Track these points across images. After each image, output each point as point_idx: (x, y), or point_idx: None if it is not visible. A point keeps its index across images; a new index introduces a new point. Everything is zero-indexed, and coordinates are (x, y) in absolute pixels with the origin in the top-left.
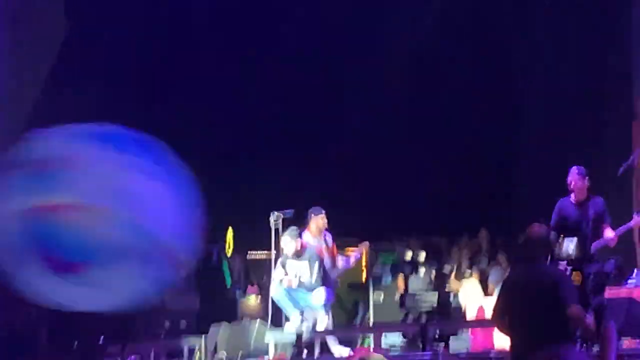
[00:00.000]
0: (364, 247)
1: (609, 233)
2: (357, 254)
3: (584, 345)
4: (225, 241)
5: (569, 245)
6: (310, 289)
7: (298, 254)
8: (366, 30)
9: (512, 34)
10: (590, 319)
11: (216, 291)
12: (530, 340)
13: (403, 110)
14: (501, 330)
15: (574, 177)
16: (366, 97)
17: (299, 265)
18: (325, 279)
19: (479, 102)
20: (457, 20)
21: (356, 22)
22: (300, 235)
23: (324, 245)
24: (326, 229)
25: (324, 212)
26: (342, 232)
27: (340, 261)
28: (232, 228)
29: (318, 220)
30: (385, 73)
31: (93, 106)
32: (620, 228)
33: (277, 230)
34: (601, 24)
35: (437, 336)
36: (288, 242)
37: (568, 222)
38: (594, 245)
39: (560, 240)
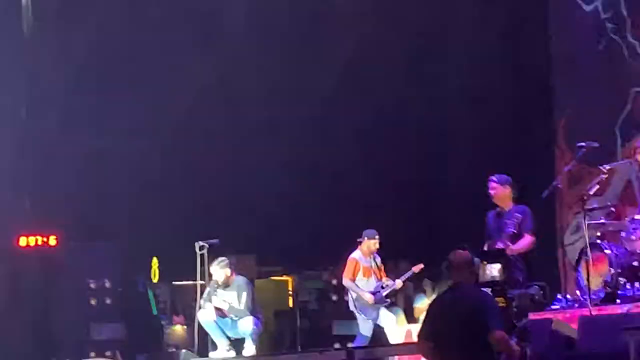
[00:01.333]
0: (417, 268)
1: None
2: (409, 273)
3: None
4: (150, 269)
5: (492, 270)
6: (239, 317)
7: (226, 284)
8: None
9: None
10: (514, 342)
11: (142, 320)
12: None
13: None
14: (425, 355)
15: (492, 185)
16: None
17: (228, 295)
18: (253, 308)
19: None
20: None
21: None
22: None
23: (374, 265)
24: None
25: (377, 236)
26: (269, 262)
27: (388, 281)
28: (157, 257)
29: (370, 243)
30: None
31: None
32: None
33: (202, 259)
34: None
35: None
36: (217, 271)
37: (488, 233)
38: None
39: (483, 265)
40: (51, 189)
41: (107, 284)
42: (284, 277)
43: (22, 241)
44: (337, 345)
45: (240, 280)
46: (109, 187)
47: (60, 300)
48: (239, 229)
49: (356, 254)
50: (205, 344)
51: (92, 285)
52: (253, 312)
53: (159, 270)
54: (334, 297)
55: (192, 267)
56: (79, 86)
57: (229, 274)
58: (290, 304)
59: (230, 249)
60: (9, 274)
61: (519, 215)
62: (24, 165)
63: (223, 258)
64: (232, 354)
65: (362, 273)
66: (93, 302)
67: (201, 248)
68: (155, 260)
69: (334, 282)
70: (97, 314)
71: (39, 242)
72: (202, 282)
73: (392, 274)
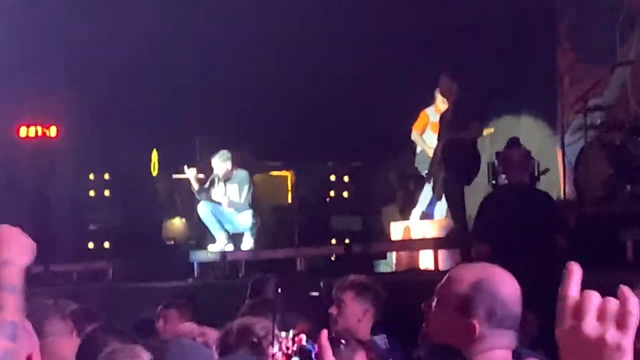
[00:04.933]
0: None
1: None
2: None
3: None
4: (150, 161)
5: None
6: (238, 211)
7: (227, 177)
8: None
9: None
10: None
11: (141, 213)
12: None
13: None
14: (480, 258)
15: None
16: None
17: (228, 188)
18: (252, 202)
19: None
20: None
21: None
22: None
23: None
24: None
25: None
26: (268, 156)
27: None
28: (157, 149)
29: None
30: None
31: None
32: None
33: (201, 152)
34: None
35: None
36: (218, 165)
37: None
38: None
39: None
40: (52, 78)
41: (107, 176)
42: (283, 172)
43: (22, 131)
44: (333, 241)
45: (241, 173)
46: (109, 76)
47: (60, 192)
48: (238, 122)
49: (429, 109)
50: (203, 237)
51: (91, 177)
52: (253, 206)
53: (159, 163)
54: (332, 193)
55: (191, 160)
56: None
57: (229, 168)
58: (289, 199)
59: (230, 142)
60: (8, 165)
61: None
62: (23, 54)
63: (224, 151)
64: (231, 247)
65: (431, 128)
66: (92, 193)
67: (201, 142)
68: (154, 153)
69: (332, 177)
70: (95, 205)
71: (39, 133)
72: (202, 175)
73: None
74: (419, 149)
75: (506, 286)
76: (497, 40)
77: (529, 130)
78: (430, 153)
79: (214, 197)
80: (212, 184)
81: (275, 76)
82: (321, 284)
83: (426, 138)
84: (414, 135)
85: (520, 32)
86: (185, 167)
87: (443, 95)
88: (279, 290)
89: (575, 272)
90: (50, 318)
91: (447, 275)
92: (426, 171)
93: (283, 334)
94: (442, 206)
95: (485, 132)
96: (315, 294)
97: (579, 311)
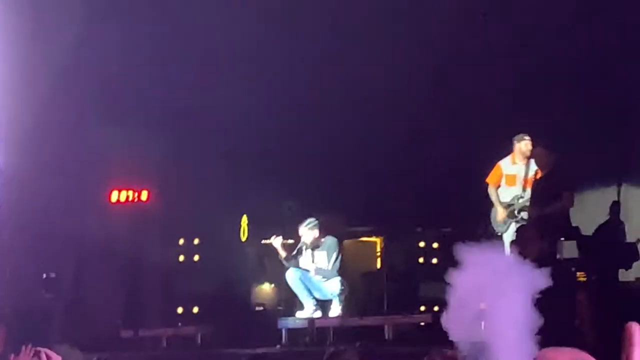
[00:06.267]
0: None
1: None
2: None
3: None
4: (239, 227)
5: None
6: (327, 278)
7: (315, 245)
8: None
9: None
10: None
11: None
12: None
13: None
14: None
15: None
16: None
17: (317, 255)
18: (341, 269)
19: None
20: None
21: None
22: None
23: (523, 174)
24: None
25: (527, 137)
26: (358, 222)
27: None
28: (247, 215)
29: (521, 145)
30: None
31: None
32: None
33: (291, 218)
34: None
35: None
36: (306, 233)
37: None
38: None
39: None
40: (144, 145)
41: (196, 241)
42: (373, 238)
43: (114, 196)
44: (422, 308)
45: (330, 240)
46: (199, 142)
47: (150, 256)
48: (328, 188)
49: (504, 161)
50: (292, 303)
51: (181, 242)
52: (341, 273)
53: (248, 228)
54: (421, 260)
55: (281, 226)
56: None
57: (317, 236)
58: (378, 265)
59: (319, 208)
60: (99, 229)
61: None
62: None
63: (312, 219)
64: (319, 314)
65: (505, 181)
66: (181, 258)
67: (290, 207)
68: (244, 219)
69: (421, 244)
70: (185, 270)
71: (130, 198)
72: (291, 241)
73: None
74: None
75: None
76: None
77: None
78: (501, 211)
79: (301, 265)
80: (299, 251)
81: (363, 142)
82: None
83: (501, 192)
84: (490, 190)
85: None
86: (273, 236)
87: (537, 165)
88: None
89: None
90: None
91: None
92: (500, 229)
93: None
94: None
95: None
96: None
97: None
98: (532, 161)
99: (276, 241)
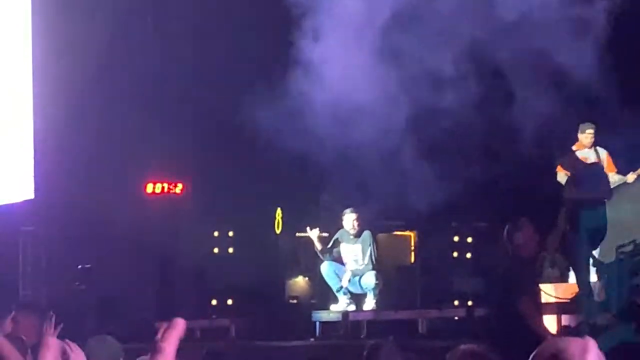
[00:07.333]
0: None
1: None
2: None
3: None
4: (274, 219)
5: None
6: (361, 272)
7: (355, 235)
8: None
9: None
10: None
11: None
12: None
13: None
14: None
15: None
16: None
17: (353, 248)
18: (376, 263)
19: None
20: None
21: None
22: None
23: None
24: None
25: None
26: (392, 215)
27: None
28: (281, 208)
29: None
30: None
31: None
32: None
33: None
34: None
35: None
36: (348, 220)
37: None
38: None
39: None
40: (180, 135)
41: (230, 233)
42: (406, 232)
43: (149, 188)
44: (456, 303)
45: (366, 234)
46: (234, 134)
47: (185, 248)
48: (362, 181)
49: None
50: (326, 296)
51: (216, 234)
52: (375, 266)
53: (283, 221)
54: (455, 254)
55: (315, 219)
56: None
57: (356, 222)
58: (412, 259)
59: (353, 201)
60: (136, 221)
61: None
62: (152, 112)
63: (352, 208)
64: (353, 307)
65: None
66: (216, 250)
67: (325, 200)
68: (279, 211)
69: (456, 238)
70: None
71: (165, 190)
72: (325, 234)
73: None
74: None
75: None
76: None
77: None
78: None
79: (342, 252)
80: (335, 243)
81: (398, 134)
82: None
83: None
84: (560, 176)
85: None
86: (308, 228)
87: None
88: None
89: None
90: None
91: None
92: None
93: None
94: None
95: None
96: None
97: None
98: (598, 147)
99: (313, 233)
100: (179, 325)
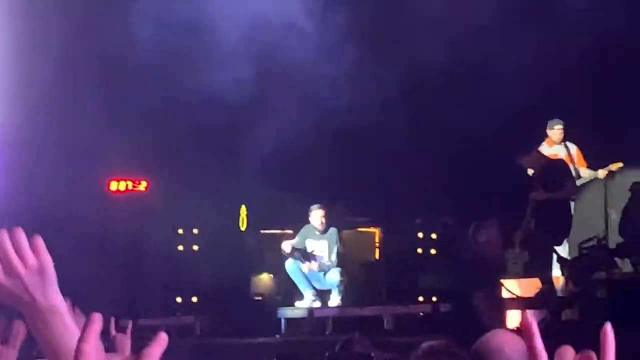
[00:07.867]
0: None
1: None
2: None
3: None
4: (239, 217)
5: None
6: (327, 269)
7: (322, 231)
8: None
9: None
10: None
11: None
12: None
13: None
14: None
15: None
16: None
17: (319, 244)
18: (341, 260)
19: None
20: None
21: None
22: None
23: (564, 154)
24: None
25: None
26: (356, 212)
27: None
28: (246, 205)
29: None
30: None
31: None
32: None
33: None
34: None
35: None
36: (316, 215)
37: None
38: None
39: None
40: (143, 133)
41: (195, 231)
42: (371, 229)
43: (113, 186)
44: (421, 299)
45: (333, 231)
46: (198, 132)
47: (149, 246)
48: (326, 179)
49: (542, 146)
50: (291, 293)
51: (180, 232)
52: (340, 263)
53: (247, 218)
54: (420, 251)
55: (280, 216)
56: None
57: (324, 222)
58: (377, 256)
59: (317, 199)
60: (99, 219)
61: None
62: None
63: (320, 204)
64: (318, 304)
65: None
66: (180, 248)
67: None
68: (243, 209)
69: (420, 235)
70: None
71: (130, 187)
72: (291, 231)
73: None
74: None
75: None
76: None
77: None
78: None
79: (308, 247)
80: (302, 247)
81: (362, 133)
82: None
83: None
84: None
85: None
86: (282, 244)
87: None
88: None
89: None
90: None
91: None
92: None
93: None
94: None
95: (614, 167)
96: None
97: None
98: (568, 143)
99: (285, 245)
100: (163, 341)
